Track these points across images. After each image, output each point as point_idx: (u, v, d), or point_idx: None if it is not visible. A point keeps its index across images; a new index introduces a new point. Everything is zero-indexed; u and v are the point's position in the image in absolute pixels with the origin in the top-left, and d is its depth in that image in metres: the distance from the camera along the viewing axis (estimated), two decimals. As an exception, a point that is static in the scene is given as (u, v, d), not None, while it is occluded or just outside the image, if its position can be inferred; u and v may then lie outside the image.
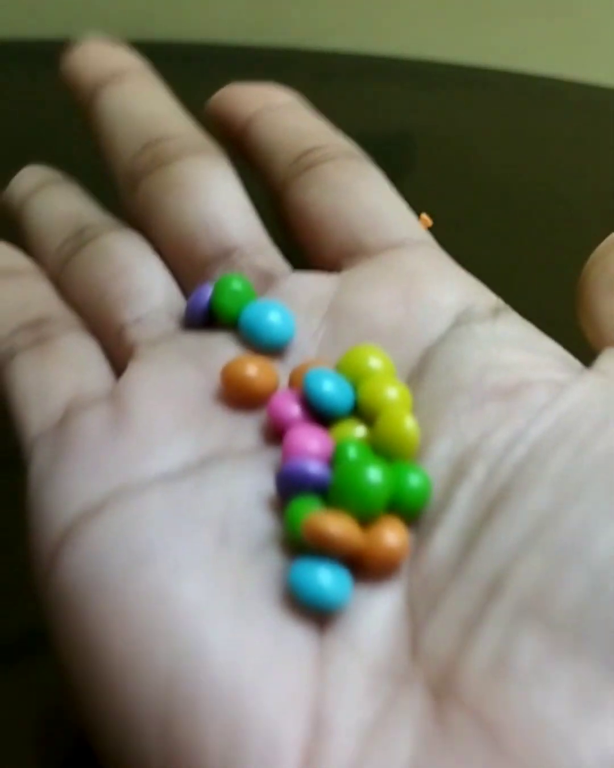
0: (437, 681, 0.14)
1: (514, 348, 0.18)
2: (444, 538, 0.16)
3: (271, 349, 0.20)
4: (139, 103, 0.24)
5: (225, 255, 0.21)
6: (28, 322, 0.21)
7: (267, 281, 0.21)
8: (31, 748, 0.25)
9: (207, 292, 0.20)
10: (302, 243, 0.22)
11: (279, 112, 0.24)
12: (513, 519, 0.15)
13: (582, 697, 0.13)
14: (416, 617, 0.15)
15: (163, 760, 0.14)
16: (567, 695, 0.13)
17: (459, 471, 0.16)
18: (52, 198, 0.24)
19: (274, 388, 0.19)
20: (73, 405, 0.19)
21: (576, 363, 0.18)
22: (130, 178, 0.23)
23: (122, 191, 0.23)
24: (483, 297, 0.20)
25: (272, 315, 0.20)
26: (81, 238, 0.22)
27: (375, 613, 0.15)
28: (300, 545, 0.16)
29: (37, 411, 0.19)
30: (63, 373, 0.20)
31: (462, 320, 0.19)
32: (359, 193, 0.22)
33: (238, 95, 0.24)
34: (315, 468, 0.16)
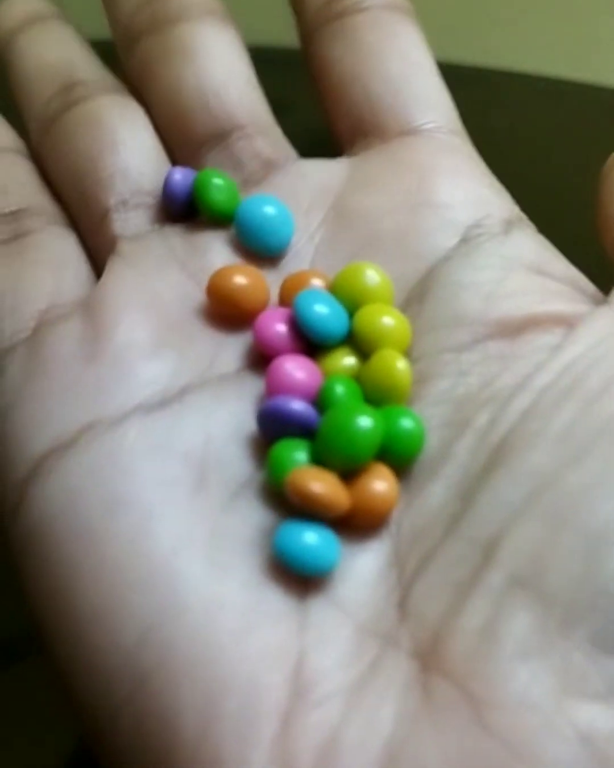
0: (424, 647, 0.14)
1: (524, 271, 0.17)
2: (439, 490, 0.15)
3: (264, 254, 0.18)
4: None
5: (223, 134, 0.19)
6: (4, 213, 0.19)
7: (267, 168, 0.19)
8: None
9: (183, 178, 0.19)
10: (322, 103, 0.20)
11: None
12: (513, 477, 0.14)
13: (567, 676, 0.13)
14: (404, 573, 0.14)
15: (135, 719, 0.14)
16: (552, 674, 0.13)
17: (459, 419, 0.15)
18: (42, 38, 0.22)
19: (263, 305, 0.17)
20: (47, 316, 0.18)
21: (590, 288, 0.17)
22: (127, 37, 0.21)
23: (119, 52, 0.21)
24: (497, 205, 0.18)
25: (269, 217, 0.18)
26: (70, 96, 0.20)
27: (361, 569, 0.15)
28: (280, 492, 0.15)
29: (8, 319, 0.18)
30: (38, 276, 0.18)
31: (471, 235, 0.17)
32: (386, 57, 0.19)
33: None
34: (299, 408, 0.15)
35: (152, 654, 0.14)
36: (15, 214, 0.19)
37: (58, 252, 0.19)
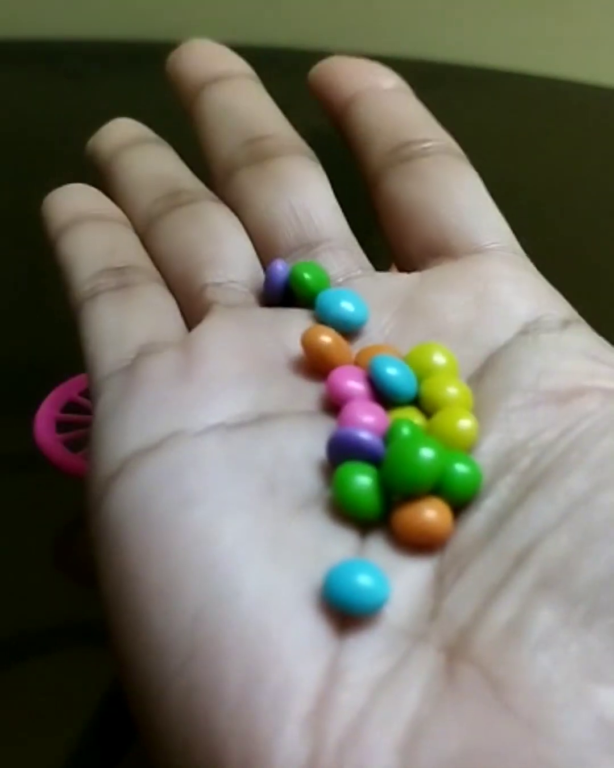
0: (452, 642, 0.14)
1: (576, 356, 0.18)
2: (480, 517, 0.16)
3: (344, 330, 0.20)
4: (243, 101, 0.24)
5: (309, 245, 0.22)
6: (113, 267, 0.22)
7: (346, 275, 0.21)
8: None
9: (284, 267, 0.21)
10: (388, 236, 0.22)
11: (383, 95, 0.24)
12: (548, 498, 0.15)
13: (587, 665, 0.13)
14: (442, 587, 0.15)
15: (184, 689, 0.15)
16: (573, 662, 0.13)
17: (504, 463, 0.17)
18: (147, 155, 0.25)
19: (347, 361, 0.19)
20: (145, 349, 0.20)
21: None
22: (226, 171, 0.23)
23: (216, 183, 0.24)
24: (556, 308, 0.20)
25: (347, 299, 0.20)
26: (175, 200, 0.23)
27: (406, 581, 0.16)
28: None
29: (111, 351, 0.20)
30: (141, 318, 0.20)
31: (530, 328, 0.19)
32: (453, 191, 0.22)
33: (343, 69, 0.24)
34: (367, 437, 0.17)
35: (205, 630, 0.15)
36: (122, 270, 0.22)
37: (160, 303, 0.21)
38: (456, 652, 0.14)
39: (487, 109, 0.42)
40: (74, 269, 0.22)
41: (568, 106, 0.44)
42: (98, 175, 0.25)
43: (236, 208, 0.23)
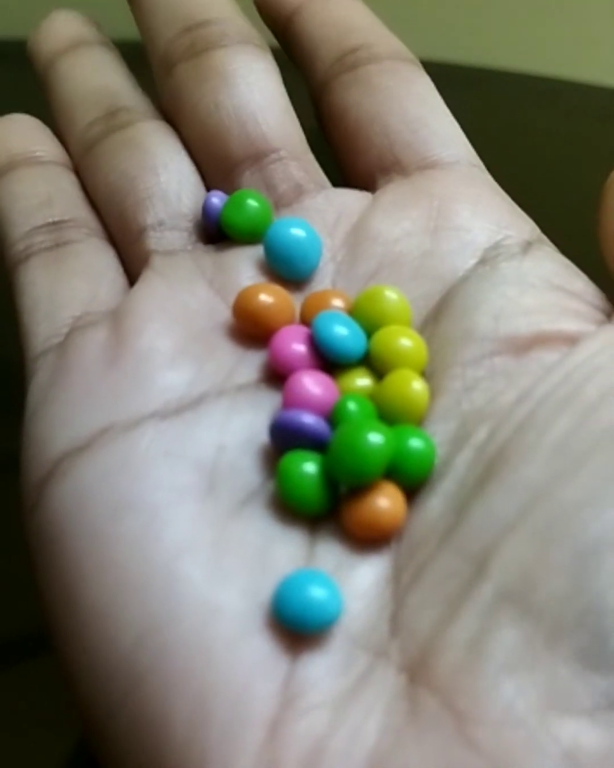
0: (413, 661, 0.14)
1: (538, 290, 0.17)
2: (436, 504, 0.15)
3: (291, 278, 0.18)
4: None
5: (257, 157, 0.20)
6: (48, 223, 0.20)
7: (298, 192, 0.20)
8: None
9: (219, 200, 0.19)
10: (336, 153, 0.21)
11: (329, 2, 0.22)
12: (506, 490, 0.14)
13: (552, 693, 0.13)
14: (399, 586, 0.14)
15: (129, 721, 0.14)
16: (538, 689, 0.13)
17: (461, 434, 0.15)
18: (86, 64, 0.22)
19: (287, 324, 0.18)
20: (79, 322, 0.18)
21: (608, 307, 0.17)
22: (164, 66, 0.21)
23: (156, 77, 0.22)
24: (516, 228, 0.18)
25: (299, 240, 0.18)
26: (112, 122, 0.21)
27: (359, 582, 0.15)
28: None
29: (44, 324, 0.18)
30: (76, 285, 0.19)
31: (488, 256, 0.18)
32: (402, 100, 0.20)
33: None
34: (311, 421, 0.15)
35: (147, 658, 0.14)
36: (58, 225, 0.20)
37: (96, 263, 0.20)
38: (417, 675, 0.13)
39: (486, 110, 0.42)
40: (7, 225, 0.20)
41: (567, 107, 0.44)
42: (37, 79, 0.23)
43: (176, 112, 0.21)
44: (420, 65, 0.21)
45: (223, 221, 0.19)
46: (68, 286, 0.19)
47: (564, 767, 0.12)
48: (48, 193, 0.21)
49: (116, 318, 0.18)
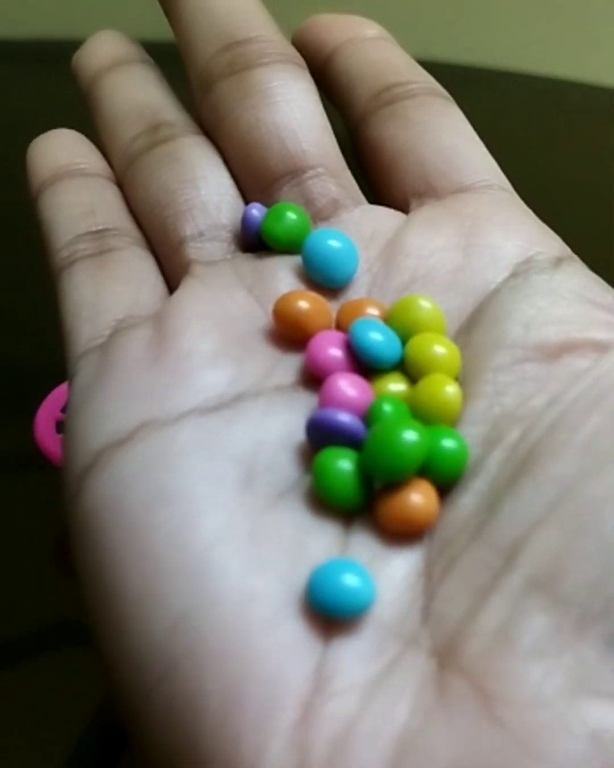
0: (443, 647, 0.14)
1: (568, 301, 0.17)
2: (468, 501, 0.15)
3: (328, 286, 0.19)
4: (224, 0, 0.23)
5: (296, 172, 0.21)
6: (92, 231, 0.21)
7: (334, 207, 0.20)
8: (30, 743, 0.25)
9: (259, 213, 0.20)
10: (373, 182, 0.22)
11: (365, 44, 0.23)
12: (536, 486, 0.15)
13: (580, 676, 0.13)
14: (431, 579, 0.15)
15: (164, 702, 0.14)
16: (565, 673, 0.13)
17: (493, 436, 0.16)
18: (129, 81, 0.23)
19: (326, 325, 0.18)
20: (122, 325, 0.19)
21: None
22: (204, 81, 0.22)
23: (195, 94, 0.22)
24: (547, 246, 0.19)
25: (337, 250, 0.19)
26: (154, 137, 0.22)
27: (392, 574, 0.15)
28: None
29: (87, 326, 0.19)
30: (119, 289, 0.20)
31: (520, 270, 0.18)
32: (436, 132, 0.21)
33: (325, 24, 0.23)
34: (347, 419, 0.16)
35: (183, 641, 0.14)
36: (101, 233, 0.21)
37: (138, 269, 0.20)
38: (446, 660, 0.14)
39: (487, 110, 0.42)
40: (52, 233, 0.21)
41: (568, 107, 0.44)
42: (82, 96, 0.24)
43: (216, 127, 0.22)
44: (453, 100, 0.22)
45: (264, 231, 0.20)
46: (111, 290, 0.20)
47: (589, 747, 0.13)
48: (91, 203, 0.21)
49: (158, 320, 0.18)
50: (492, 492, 0.15)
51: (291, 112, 0.21)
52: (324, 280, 0.19)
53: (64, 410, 0.31)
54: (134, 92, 0.23)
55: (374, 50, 0.23)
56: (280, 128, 0.21)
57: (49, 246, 0.21)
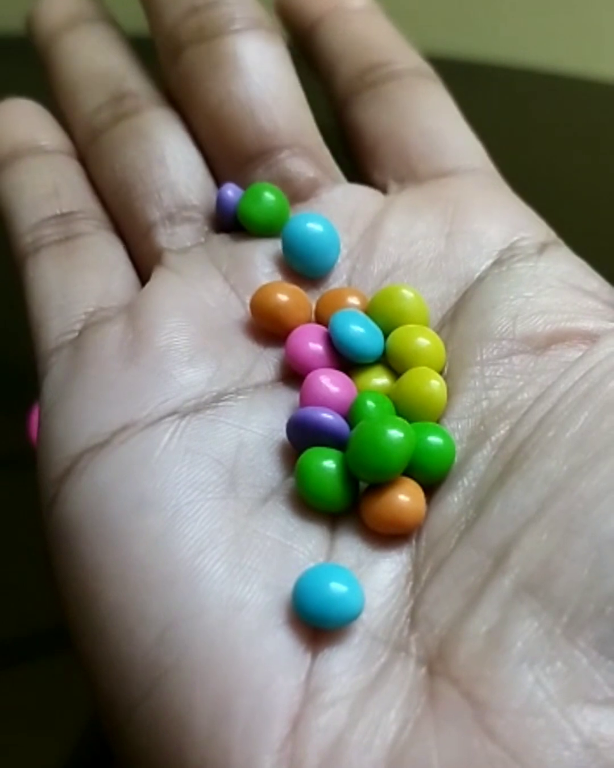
0: (432, 654, 0.14)
1: (554, 289, 0.17)
2: (456, 500, 0.15)
3: (308, 276, 0.18)
4: None
5: (271, 152, 0.20)
6: (56, 215, 0.20)
7: (313, 186, 0.20)
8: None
9: (234, 193, 0.19)
10: (356, 167, 0.21)
11: (351, 16, 0.22)
12: (526, 484, 0.14)
13: (572, 683, 0.13)
14: (419, 582, 0.15)
15: (150, 716, 0.14)
16: (557, 679, 0.13)
17: (480, 431, 0.16)
18: (88, 43, 0.22)
19: (303, 322, 0.18)
20: (93, 318, 0.18)
21: None
22: (172, 47, 0.21)
23: (162, 61, 0.21)
24: (531, 231, 0.18)
25: (317, 236, 0.18)
26: (118, 109, 0.21)
27: (380, 578, 0.15)
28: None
29: (57, 319, 0.18)
30: (88, 278, 0.19)
31: (504, 258, 0.18)
32: (420, 114, 0.20)
33: None
34: (330, 419, 0.16)
35: (170, 653, 0.14)
36: (66, 216, 0.20)
37: (107, 256, 0.19)
38: (436, 667, 0.14)
39: (487, 106, 0.42)
40: (14, 217, 0.20)
41: (570, 102, 0.44)
42: (37, 58, 0.22)
43: (184, 100, 0.21)
44: (438, 81, 0.21)
45: (240, 214, 0.19)
46: (80, 279, 0.19)
47: (584, 756, 0.12)
48: (54, 183, 0.20)
49: (132, 314, 0.18)
50: (481, 490, 0.15)
51: (264, 84, 0.20)
52: (304, 270, 0.18)
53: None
54: (95, 56, 0.22)
55: (359, 24, 0.22)
56: (253, 102, 0.20)
57: (11, 231, 0.20)
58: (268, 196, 0.19)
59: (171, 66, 0.21)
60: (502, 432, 0.15)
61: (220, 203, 0.19)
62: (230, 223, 0.19)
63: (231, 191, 0.19)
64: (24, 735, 0.25)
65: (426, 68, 0.21)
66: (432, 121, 0.20)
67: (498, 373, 0.16)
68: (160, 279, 0.19)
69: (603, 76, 0.45)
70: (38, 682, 0.26)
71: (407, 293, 0.17)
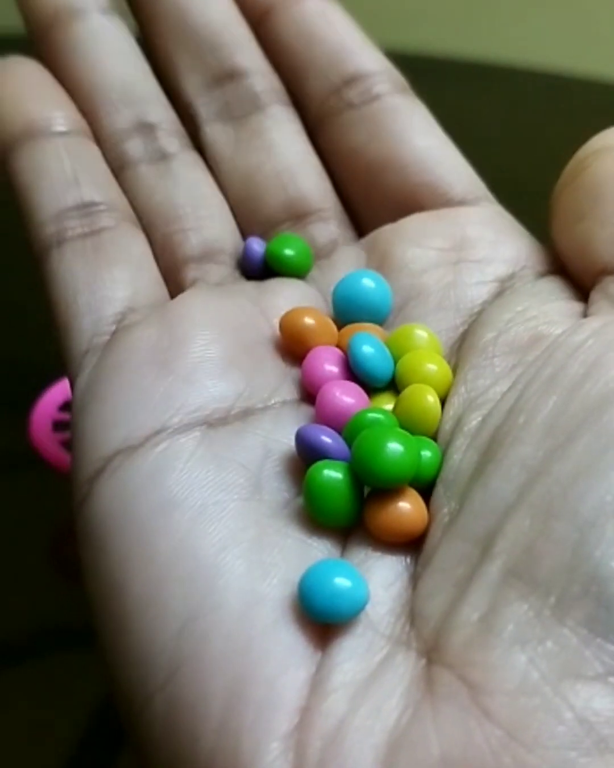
0: (428, 644, 0.14)
1: (544, 301, 0.18)
2: (438, 493, 0.16)
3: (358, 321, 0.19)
4: (208, 9, 0.22)
5: (297, 216, 0.21)
6: (79, 204, 0.20)
7: (333, 246, 0.21)
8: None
9: (260, 246, 0.20)
10: (348, 191, 0.22)
11: (306, 11, 0.22)
12: (503, 472, 0.15)
13: (564, 661, 0.13)
14: (414, 574, 0.15)
15: (166, 705, 0.15)
16: (549, 659, 0.13)
17: (457, 427, 0.16)
18: (100, 40, 0.22)
19: (330, 341, 0.19)
20: (125, 321, 0.19)
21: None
22: (193, 111, 0.22)
23: (184, 123, 0.22)
24: (534, 261, 0.19)
25: (371, 293, 0.19)
26: (151, 144, 0.21)
27: (381, 576, 0.16)
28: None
29: (87, 319, 0.19)
30: (117, 277, 0.19)
31: (506, 286, 0.19)
32: (412, 139, 0.21)
33: None
34: (328, 440, 0.16)
35: (189, 644, 0.15)
36: (88, 207, 0.20)
37: (133, 251, 0.20)
38: (432, 656, 0.14)
39: (488, 106, 0.42)
40: (34, 204, 0.20)
41: (572, 103, 0.44)
42: (33, 35, 0.22)
43: (213, 163, 0.22)
44: (410, 90, 0.22)
45: (270, 253, 0.20)
46: (109, 277, 0.19)
47: (578, 732, 0.13)
48: (73, 170, 0.20)
49: (166, 321, 0.18)
50: (460, 482, 0.16)
51: (288, 157, 0.21)
52: (347, 319, 0.19)
53: (61, 409, 0.31)
54: (110, 60, 0.22)
55: (320, 23, 0.22)
56: (280, 174, 0.21)
57: (31, 218, 0.20)
58: (296, 241, 0.20)
59: (193, 127, 0.22)
60: (474, 422, 0.16)
61: (247, 254, 0.20)
62: (256, 275, 0.20)
63: (257, 245, 0.20)
64: (24, 735, 0.25)
65: (398, 77, 0.22)
66: (425, 145, 0.21)
67: (480, 375, 0.17)
68: (194, 290, 0.19)
69: (603, 76, 0.45)
70: (38, 682, 0.26)
71: (421, 333, 0.18)
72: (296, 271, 0.20)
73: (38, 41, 0.22)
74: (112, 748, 0.25)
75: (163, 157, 0.21)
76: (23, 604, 0.26)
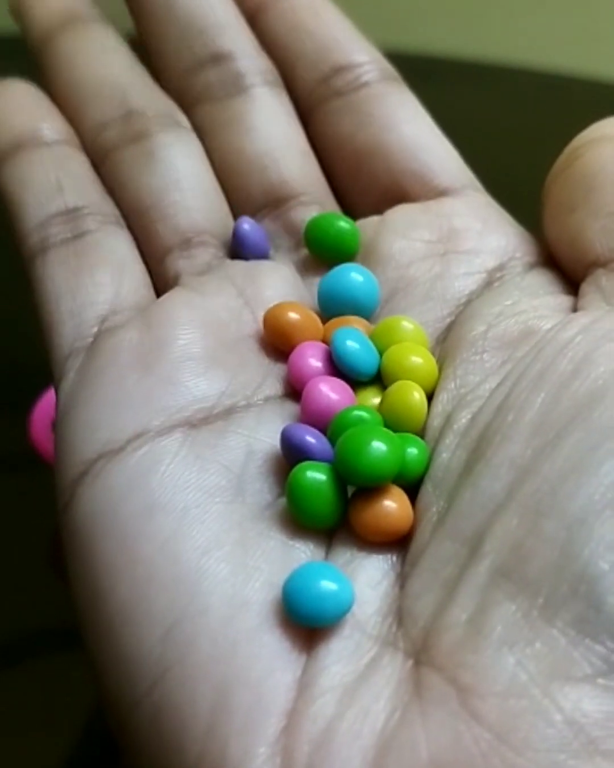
0: (416, 644, 0.14)
1: (534, 295, 0.18)
2: (426, 491, 0.16)
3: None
4: (200, 4, 0.22)
5: (279, 202, 0.21)
6: (62, 211, 0.20)
7: None
8: (33, 732, 0.25)
9: (251, 227, 0.20)
10: (336, 178, 0.22)
11: (297, 5, 0.22)
12: (492, 471, 0.15)
13: (552, 663, 0.13)
14: (402, 573, 0.15)
15: (153, 710, 0.15)
16: (538, 660, 0.13)
17: (445, 425, 0.16)
18: (88, 47, 0.22)
19: (315, 336, 0.18)
20: (107, 323, 0.19)
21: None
22: (181, 93, 0.22)
23: (171, 95, 0.22)
24: (522, 251, 0.19)
25: (358, 287, 0.19)
26: (129, 128, 0.21)
27: (367, 575, 0.15)
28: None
29: (70, 323, 0.19)
30: (98, 280, 0.19)
31: (494, 278, 0.19)
32: (400, 128, 0.21)
33: None
34: (312, 440, 0.16)
35: (174, 649, 0.15)
36: (72, 213, 0.20)
37: (116, 254, 0.20)
38: (421, 658, 0.14)
39: (486, 105, 0.42)
40: (20, 214, 0.20)
41: (572, 103, 0.44)
42: (29, 50, 0.22)
43: (199, 138, 0.22)
44: (401, 80, 0.22)
45: (309, 232, 0.20)
46: (90, 281, 0.19)
47: (567, 733, 0.13)
48: (58, 177, 0.21)
49: (148, 322, 0.18)
50: (449, 480, 0.16)
51: (273, 139, 0.21)
52: (333, 314, 0.19)
53: (61, 409, 0.31)
54: (97, 64, 0.22)
55: (311, 18, 0.22)
56: (262, 157, 0.21)
57: (17, 229, 0.20)
58: (342, 223, 0.20)
59: (182, 107, 0.22)
60: (464, 420, 0.16)
61: (237, 234, 0.20)
62: (245, 255, 0.20)
63: (247, 224, 0.20)
64: (24, 735, 0.25)
65: (388, 67, 0.22)
66: (413, 133, 0.21)
67: (470, 370, 0.17)
68: (176, 291, 0.19)
69: (603, 76, 0.45)
70: (38, 682, 0.26)
71: (407, 325, 0.18)
72: (337, 256, 0.20)
73: (36, 51, 0.23)
74: (111, 748, 0.25)
75: (138, 139, 0.21)
76: (23, 604, 0.27)
